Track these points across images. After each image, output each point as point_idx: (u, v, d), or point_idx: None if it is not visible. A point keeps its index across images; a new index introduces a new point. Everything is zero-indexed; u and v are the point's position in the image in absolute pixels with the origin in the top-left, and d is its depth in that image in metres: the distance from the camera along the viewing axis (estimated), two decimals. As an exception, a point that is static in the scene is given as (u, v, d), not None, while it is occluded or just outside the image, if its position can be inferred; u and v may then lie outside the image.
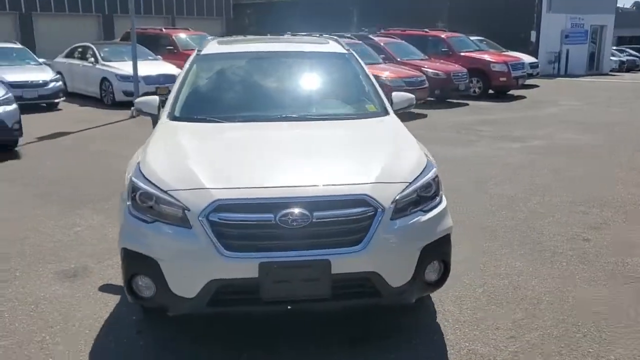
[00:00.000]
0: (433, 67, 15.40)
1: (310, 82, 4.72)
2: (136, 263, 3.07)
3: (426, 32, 18.81)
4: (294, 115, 4.12)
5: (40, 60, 14.96)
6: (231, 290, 2.96)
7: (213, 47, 4.92)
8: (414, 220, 3.16)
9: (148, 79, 14.10)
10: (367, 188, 3.08)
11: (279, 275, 2.93)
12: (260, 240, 2.95)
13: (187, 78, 4.51)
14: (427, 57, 16.61)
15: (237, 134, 3.88)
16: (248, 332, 3.48)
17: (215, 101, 4.39)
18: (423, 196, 3.28)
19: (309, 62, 4.86)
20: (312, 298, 3.01)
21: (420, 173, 3.33)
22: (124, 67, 14.34)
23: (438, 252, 3.30)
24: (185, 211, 2.97)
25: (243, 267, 2.91)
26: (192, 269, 2.96)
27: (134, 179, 3.23)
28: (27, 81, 13.17)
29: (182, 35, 17.57)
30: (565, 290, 4.11)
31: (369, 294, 3.08)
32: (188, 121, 4.03)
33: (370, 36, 16.91)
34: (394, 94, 4.61)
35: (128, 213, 3.17)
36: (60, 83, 13.92)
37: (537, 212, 5.88)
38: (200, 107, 4.28)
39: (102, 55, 15.22)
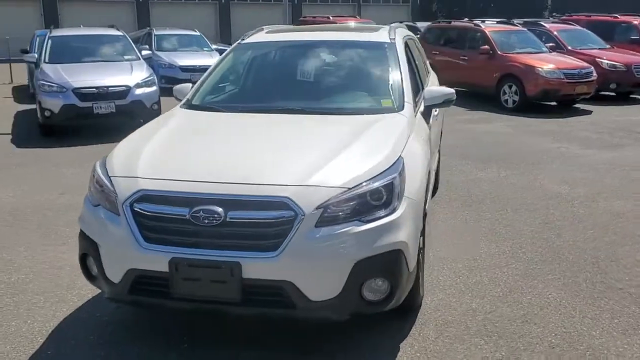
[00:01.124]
0: (610, 57, 13.55)
1: (333, 73, 4.48)
2: (85, 244, 3.21)
3: (616, 17, 16.59)
4: (295, 108, 3.97)
5: (213, 46, 16.18)
6: (146, 282, 2.96)
7: (258, 36, 4.90)
8: (345, 230, 2.84)
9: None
10: (290, 191, 2.85)
11: (188, 273, 2.86)
12: (174, 235, 2.90)
13: (217, 67, 4.58)
14: (610, 46, 14.67)
15: (219, 124, 3.85)
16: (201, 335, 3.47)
17: (231, 90, 4.42)
18: (368, 204, 2.93)
19: (342, 52, 4.62)
20: (221, 300, 2.89)
21: (371, 178, 2.98)
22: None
23: (379, 268, 2.94)
24: (116, 198, 3.03)
25: (156, 260, 2.89)
26: (117, 256, 3.02)
27: (96, 164, 3.37)
28: (196, 65, 14.30)
29: (344, 23, 17.75)
30: None
31: (283, 305, 2.86)
32: (197, 109, 4.10)
33: (542, 22, 15.43)
34: (426, 89, 4.17)
35: (86, 197, 3.33)
36: None
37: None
38: (216, 96, 4.33)
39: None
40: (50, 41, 10.35)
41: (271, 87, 4.37)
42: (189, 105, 4.20)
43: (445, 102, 4.22)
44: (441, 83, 6.04)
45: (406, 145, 3.39)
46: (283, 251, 2.78)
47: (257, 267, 2.80)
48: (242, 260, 2.80)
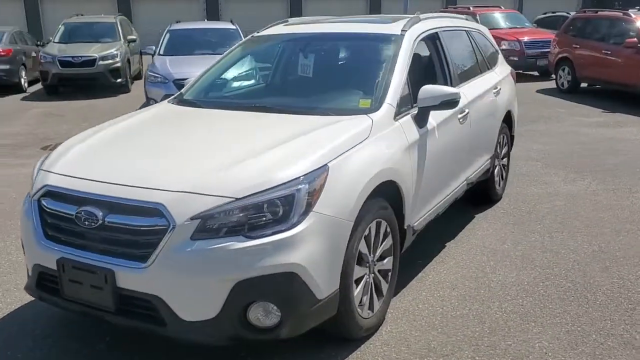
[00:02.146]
0: None
1: (326, 68, 4.10)
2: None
3: None
4: (267, 106, 3.71)
5: None
6: (46, 278, 2.92)
7: (274, 28, 4.65)
8: (224, 245, 2.54)
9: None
10: (166, 197, 2.60)
11: (73, 275, 2.76)
12: (65, 234, 2.82)
13: (222, 60, 4.43)
14: None
15: (176, 121, 3.69)
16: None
17: (220, 85, 4.24)
18: (260, 217, 2.59)
19: (345, 46, 4.20)
20: (98, 307, 2.74)
21: (270, 188, 2.63)
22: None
23: (266, 292, 2.59)
24: (31, 191, 3.03)
25: (49, 259, 2.83)
26: (28, 250, 3.02)
27: (42, 157, 3.41)
28: None
29: (487, 13, 16.61)
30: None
31: (153, 321, 2.63)
32: (181, 104, 4.00)
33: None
34: (422, 88, 3.63)
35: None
36: None
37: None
38: (206, 90, 4.18)
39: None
40: (168, 34, 11.01)
41: (255, 83, 4.12)
42: (178, 99, 4.11)
43: (443, 105, 3.64)
44: (579, 80, 5.24)
45: (347, 153, 2.97)
46: (153, 263, 2.56)
47: (129, 277, 2.61)
48: (116, 268, 2.63)
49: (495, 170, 5.43)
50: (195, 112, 3.79)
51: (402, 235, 3.54)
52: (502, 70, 5.63)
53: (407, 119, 3.58)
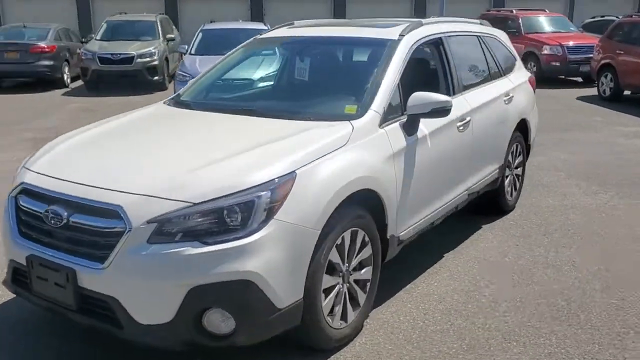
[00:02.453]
0: None
1: (320, 73, 4.06)
2: None
3: None
4: (253, 109, 3.70)
5: None
6: (19, 274, 2.98)
7: (277, 31, 4.63)
8: (179, 250, 2.53)
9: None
10: (125, 199, 2.61)
11: (40, 272, 2.81)
12: (35, 231, 2.87)
13: (223, 61, 4.45)
14: None
15: (162, 123, 3.71)
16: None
17: (216, 86, 4.25)
18: (218, 223, 2.58)
19: (342, 50, 4.15)
20: (61, 305, 2.77)
21: (230, 194, 2.61)
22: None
23: (220, 299, 2.57)
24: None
25: (21, 255, 2.89)
26: (4, 245, 3.08)
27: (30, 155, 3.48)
28: None
29: (530, 17, 16.18)
30: None
31: (111, 322, 2.65)
32: (175, 105, 4.03)
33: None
34: (412, 95, 3.54)
35: None
36: None
37: None
38: (202, 92, 4.20)
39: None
40: (200, 34, 11.16)
41: (246, 86, 4.11)
42: (175, 100, 4.13)
43: (434, 113, 3.54)
44: (622, 87, 5.05)
45: (319, 160, 2.92)
46: (110, 264, 2.58)
47: (89, 277, 2.64)
48: (78, 267, 2.66)
49: (507, 181, 5.27)
50: (184, 113, 3.81)
51: (385, 245, 3.46)
52: (517, 77, 5.45)
53: (395, 127, 3.50)
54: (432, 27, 4.29)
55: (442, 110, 3.55)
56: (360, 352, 3.15)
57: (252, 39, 4.63)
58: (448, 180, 4.10)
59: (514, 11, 16.90)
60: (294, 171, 2.78)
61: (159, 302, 2.57)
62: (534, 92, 5.91)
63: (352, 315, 3.22)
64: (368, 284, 3.34)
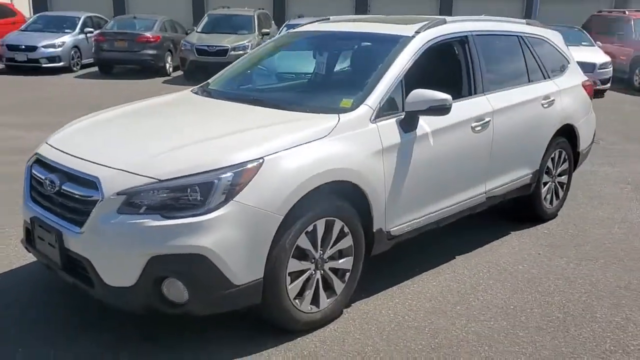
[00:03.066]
0: None
1: (331, 66, 4.14)
2: None
3: None
4: (257, 98, 3.94)
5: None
6: (29, 233, 3.36)
7: (309, 25, 4.77)
8: (142, 221, 2.77)
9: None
10: (102, 173, 2.90)
11: (39, 232, 3.17)
12: (39, 196, 3.23)
13: (250, 54, 4.68)
14: None
15: (177, 108, 3.98)
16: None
17: (235, 77, 4.44)
18: (180, 200, 2.79)
19: (358, 45, 4.22)
20: (52, 263, 3.11)
21: (195, 174, 2.81)
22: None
23: (176, 269, 2.78)
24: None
25: (29, 216, 3.27)
26: (21, 207, 3.48)
27: None
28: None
29: (643, 19, 15.07)
30: None
31: (86, 281, 2.94)
32: (199, 93, 4.29)
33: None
34: (412, 92, 3.57)
35: None
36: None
37: None
38: (224, 82, 4.42)
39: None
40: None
41: (253, 77, 4.30)
42: (203, 89, 4.40)
43: (432, 110, 3.54)
44: None
45: (292, 149, 3.04)
46: (86, 229, 2.87)
47: (71, 239, 2.94)
48: (64, 230, 2.97)
49: (545, 188, 5.07)
50: (200, 100, 4.06)
51: (371, 238, 3.52)
52: (566, 81, 5.21)
53: (390, 122, 3.53)
54: (455, 26, 4.24)
55: (440, 108, 3.54)
56: (326, 338, 3.24)
57: (285, 32, 4.81)
58: (457, 180, 4.04)
59: (627, 12, 15.80)
60: (262, 157, 2.93)
61: (123, 266, 2.82)
62: (591, 98, 5.62)
63: (325, 301, 3.32)
64: (347, 273, 3.42)
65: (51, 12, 19.44)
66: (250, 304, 2.99)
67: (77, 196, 2.95)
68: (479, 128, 4.11)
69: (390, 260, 4.12)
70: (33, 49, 14.86)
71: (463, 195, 4.14)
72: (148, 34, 15.03)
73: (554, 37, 5.35)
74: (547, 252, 4.52)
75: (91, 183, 2.90)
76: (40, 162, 3.32)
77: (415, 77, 3.78)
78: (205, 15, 16.24)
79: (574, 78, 5.38)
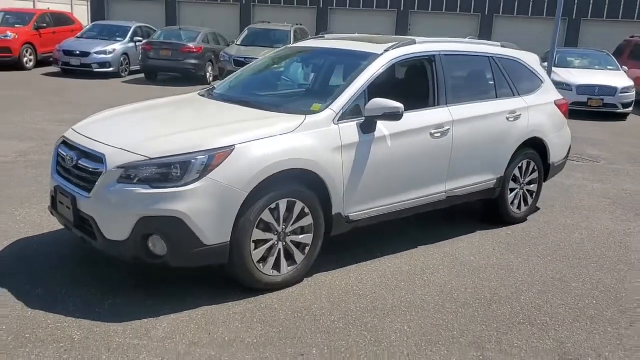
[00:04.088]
0: None
1: (315, 76, 4.87)
2: None
3: None
4: (245, 100, 4.65)
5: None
6: (53, 199, 4.19)
7: (305, 42, 5.54)
8: (133, 189, 3.55)
9: (580, 89, 13.47)
10: (108, 150, 3.71)
11: (60, 197, 4.00)
12: (62, 170, 4.06)
13: (254, 65, 5.47)
14: None
15: (181, 106, 4.75)
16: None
17: (235, 83, 5.22)
18: (165, 174, 3.56)
19: (339, 59, 4.94)
20: (69, 222, 3.93)
21: (177, 155, 3.58)
22: (573, 75, 13.99)
23: (158, 228, 3.55)
24: None
25: (53, 186, 4.11)
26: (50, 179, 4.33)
27: None
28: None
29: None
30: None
31: (91, 235, 3.74)
32: (205, 96, 5.08)
33: None
34: (370, 100, 4.27)
35: None
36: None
37: None
38: (226, 86, 5.21)
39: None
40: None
41: (250, 83, 5.08)
42: (208, 92, 5.20)
43: (387, 116, 4.22)
44: None
45: (261, 140, 3.78)
46: (93, 194, 3.67)
47: (82, 202, 3.75)
48: (77, 195, 3.79)
49: (513, 194, 5.64)
50: (203, 101, 4.86)
51: (330, 220, 4.21)
52: (537, 99, 5.79)
53: (350, 125, 4.23)
54: (424, 46, 4.92)
55: (393, 115, 4.22)
56: (284, 296, 3.92)
57: (283, 47, 5.59)
58: (415, 178, 4.69)
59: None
60: (233, 145, 3.68)
61: (119, 224, 3.60)
62: (565, 116, 6.17)
63: (286, 268, 4.02)
64: (307, 247, 4.12)
65: (105, 22, 20.91)
66: (219, 262, 3.73)
67: (88, 168, 3.76)
68: (438, 135, 4.76)
69: (357, 245, 4.82)
70: (86, 54, 16.16)
71: (422, 192, 4.79)
72: (191, 45, 16.14)
73: (529, 59, 5.95)
74: (502, 249, 5.11)
75: (99, 158, 3.71)
76: (65, 143, 4.16)
77: (380, 88, 4.47)
78: (246, 29, 17.26)
79: (546, 96, 5.95)
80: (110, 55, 16.45)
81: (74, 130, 4.23)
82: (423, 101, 4.85)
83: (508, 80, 5.58)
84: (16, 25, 17.30)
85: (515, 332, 3.68)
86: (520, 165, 5.64)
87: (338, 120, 4.19)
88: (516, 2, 27.53)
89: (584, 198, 6.90)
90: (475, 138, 5.09)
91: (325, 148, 4.06)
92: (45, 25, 17.87)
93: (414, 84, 4.91)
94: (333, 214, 4.21)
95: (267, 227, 3.88)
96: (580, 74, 14.26)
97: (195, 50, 16.06)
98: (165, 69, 16.33)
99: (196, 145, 3.64)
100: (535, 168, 5.84)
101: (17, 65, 16.69)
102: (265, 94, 5.05)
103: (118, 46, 16.86)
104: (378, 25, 27.40)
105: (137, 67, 17.03)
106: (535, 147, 5.74)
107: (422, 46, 4.92)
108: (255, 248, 3.85)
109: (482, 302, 4.05)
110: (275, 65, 5.46)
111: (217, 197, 3.59)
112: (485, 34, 26.97)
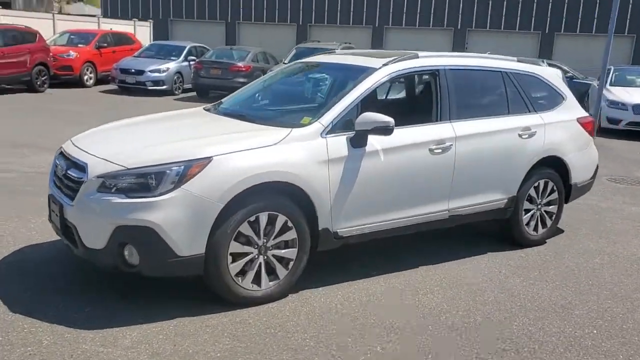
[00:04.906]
0: None
1: (311, 90, 4.85)
2: None
3: None
4: (242, 114, 4.67)
5: None
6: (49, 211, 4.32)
7: (317, 57, 5.52)
8: (110, 198, 3.61)
9: (637, 108, 12.86)
10: (90, 160, 3.80)
11: (52, 206, 4.11)
12: (56, 179, 4.18)
13: (262, 79, 5.52)
14: None
15: (183, 120, 4.82)
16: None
17: (240, 98, 5.25)
18: (141, 184, 3.60)
19: (338, 73, 4.89)
20: (57, 229, 4.03)
21: (154, 165, 3.62)
22: (629, 94, 13.40)
23: (132, 237, 3.59)
24: None
25: (48, 195, 4.25)
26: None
27: None
28: None
29: None
30: None
31: (73, 242, 3.82)
32: (209, 110, 5.13)
33: None
34: (361, 114, 4.21)
35: None
36: None
37: None
38: (232, 102, 5.25)
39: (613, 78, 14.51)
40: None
41: (253, 97, 5.10)
42: (213, 106, 5.24)
43: (377, 130, 4.13)
44: None
45: (240, 152, 3.78)
46: (75, 202, 3.76)
47: (67, 210, 3.84)
48: (64, 203, 3.89)
49: (528, 215, 5.40)
50: (203, 114, 4.90)
51: (316, 235, 4.14)
52: (556, 116, 5.53)
53: (340, 139, 4.16)
54: (427, 60, 4.80)
55: (384, 129, 4.13)
56: (261, 311, 3.86)
57: (293, 63, 5.61)
58: (411, 195, 4.55)
59: None
60: (211, 157, 3.69)
61: (97, 232, 3.66)
62: (590, 134, 5.86)
63: (267, 283, 3.97)
64: (291, 262, 4.06)
65: (162, 41, 21.70)
66: (193, 274, 3.73)
67: (74, 177, 3.86)
68: (438, 150, 4.61)
69: (353, 262, 4.73)
70: (141, 73, 16.80)
71: (420, 209, 4.64)
72: (240, 64, 16.51)
73: (548, 74, 5.70)
74: (508, 272, 4.87)
75: (82, 167, 3.81)
76: (61, 153, 4.29)
77: (376, 102, 4.41)
78: (294, 48, 17.50)
79: (568, 113, 5.67)
80: (164, 74, 17.02)
81: (71, 141, 4.37)
82: (424, 116, 4.73)
83: (523, 95, 5.36)
84: (79, 45, 18.20)
85: (495, 358, 3.47)
86: (536, 184, 5.39)
87: (326, 134, 4.13)
88: (489, 17, 27.28)
89: (617, 222, 6.51)
90: (481, 155, 4.90)
91: (311, 161, 4.01)
92: (105, 45, 18.71)
93: (415, 99, 4.80)
94: (320, 229, 4.14)
95: (246, 240, 3.85)
96: (637, 93, 13.58)
97: (244, 69, 16.40)
98: (215, 87, 16.74)
99: (174, 156, 3.67)
100: (555, 188, 5.56)
101: (78, 83, 17.53)
102: (263, 108, 5.06)
103: (172, 65, 17.43)
104: (433, 43, 27.19)
105: (190, 86, 17.53)
106: (553, 166, 5.47)
107: (425, 60, 4.80)
108: (233, 261, 3.83)
109: (470, 326, 3.86)
110: (281, 80, 5.48)
111: (191, 209, 3.60)
112: (546, 52, 26.32)
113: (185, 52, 18.32)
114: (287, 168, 3.91)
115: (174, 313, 3.79)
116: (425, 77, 4.80)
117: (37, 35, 16.16)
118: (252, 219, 3.83)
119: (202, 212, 3.63)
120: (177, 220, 3.57)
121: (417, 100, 4.82)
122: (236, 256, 3.84)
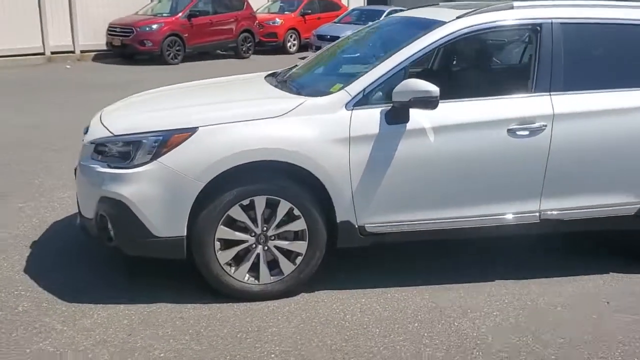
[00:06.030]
0: None
1: (365, 52, 4.04)
2: None
3: None
4: (284, 81, 4.12)
5: None
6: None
7: (399, 14, 4.65)
8: (94, 167, 3.35)
9: None
10: (92, 124, 3.64)
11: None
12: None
13: (335, 44, 4.87)
14: None
15: (231, 84, 4.47)
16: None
17: (307, 65, 4.54)
18: (123, 153, 3.30)
19: (413, 30, 3.87)
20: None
21: (137, 133, 3.28)
22: None
23: (109, 210, 3.30)
24: None
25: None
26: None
27: None
28: None
29: None
30: None
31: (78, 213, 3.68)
32: (265, 77, 4.43)
33: None
34: (402, 81, 3.34)
35: None
36: None
37: None
38: (301, 68, 4.55)
39: None
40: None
41: (316, 64, 4.48)
42: (271, 74, 4.57)
43: (416, 102, 3.23)
44: None
45: (234, 123, 3.26)
46: (79, 169, 3.60)
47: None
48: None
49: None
50: (254, 82, 4.35)
51: (335, 228, 3.43)
52: None
53: (369, 112, 3.35)
54: (523, 12, 3.63)
55: (425, 101, 3.22)
56: (253, 310, 3.31)
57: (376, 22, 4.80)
58: (475, 189, 3.53)
59: None
60: (196, 127, 3.21)
61: (87, 201, 3.45)
62: None
63: (267, 277, 3.40)
64: (300, 257, 3.42)
65: (364, 6, 21.28)
66: (174, 257, 3.32)
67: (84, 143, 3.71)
68: (523, 132, 3.49)
69: (398, 268, 3.88)
70: (335, 39, 16.66)
71: (492, 208, 3.59)
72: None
73: None
74: (620, 302, 3.56)
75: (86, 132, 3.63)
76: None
77: (436, 67, 3.48)
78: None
79: None
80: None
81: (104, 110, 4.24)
82: (508, 86, 3.63)
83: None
84: (286, 12, 18.81)
85: None
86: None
87: (353, 105, 3.35)
88: None
89: None
90: (596, 141, 3.61)
91: (324, 139, 3.29)
92: (310, 11, 19.04)
93: (499, 63, 3.67)
94: (338, 221, 3.40)
95: (239, 226, 3.32)
96: None
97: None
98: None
99: (154, 124, 3.28)
100: None
101: (282, 49, 18.16)
102: (315, 74, 4.31)
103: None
104: None
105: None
106: None
107: (522, 12, 3.64)
108: (223, 248, 3.33)
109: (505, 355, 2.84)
110: (350, 43, 4.69)
111: (166, 185, 3.19)
112: None
113: (383, 16, 17.76)
114: (289, 146, 3.25)
115: (161, 298, 3.44)
116: (521, 34, 3.63)
117: (245, 2, 17.05)
118: (246, 202, 3.28)
119: (180, 189, 3.20)
120: (151, 197, 3.20)
121: (501, 66, 3.68)
122: (228, 243, 3.33)
